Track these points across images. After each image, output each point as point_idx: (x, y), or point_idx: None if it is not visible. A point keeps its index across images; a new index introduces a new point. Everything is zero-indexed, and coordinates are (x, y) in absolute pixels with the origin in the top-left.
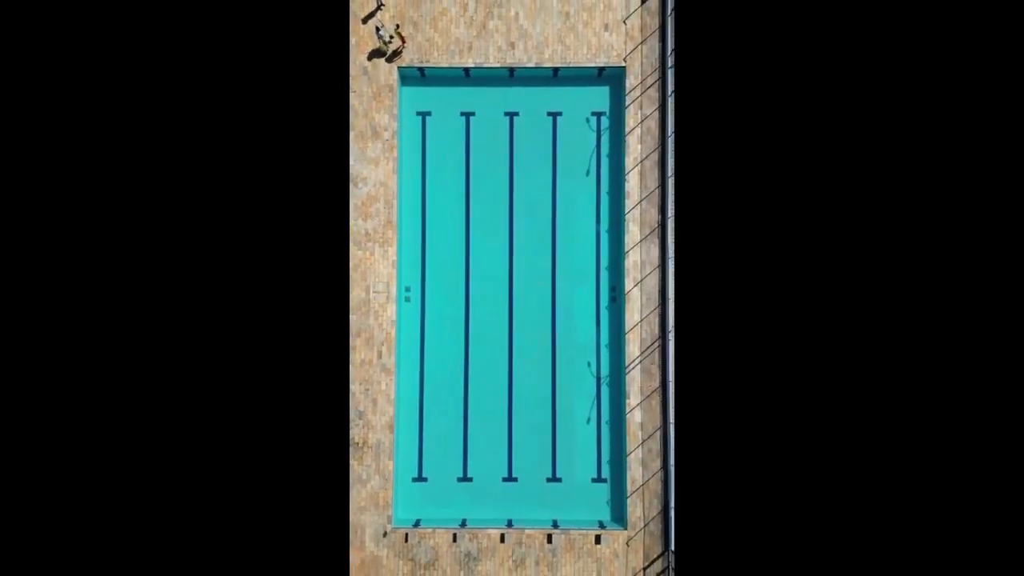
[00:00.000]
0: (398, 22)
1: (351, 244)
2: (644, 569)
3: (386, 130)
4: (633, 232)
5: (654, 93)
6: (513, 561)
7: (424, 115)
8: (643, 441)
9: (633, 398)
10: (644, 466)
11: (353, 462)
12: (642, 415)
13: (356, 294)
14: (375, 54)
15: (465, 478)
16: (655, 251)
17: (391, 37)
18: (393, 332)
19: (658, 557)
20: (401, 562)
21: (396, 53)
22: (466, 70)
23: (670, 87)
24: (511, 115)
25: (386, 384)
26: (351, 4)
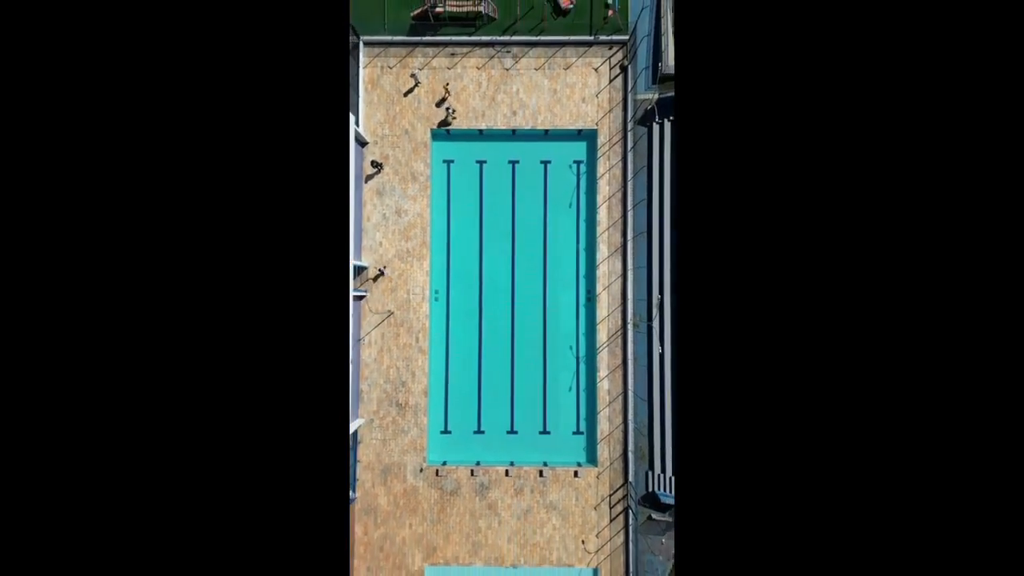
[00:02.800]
0: (447, 82)
1: (396, 259)
2: (610, 496)
3: (422, 175)
4: (603, 250)
5: (618, 148)
6: (514, 489)
7: (449, 163)
8: (609, 403)
9: (602, 372)
10: (610, 421)
11: (397, 417)
12: (609, 384)
13: (399, 295)
14: (442, 124)
15: (479, 431)
16: (618, 264)
17: (452, 110)
18: (427, 323)
19: (620, 487)
20: (432, 490)
21: (443, 100)
22: (480, 130)
23: (630, 144)
24: (513, 163)
25: (421, 361)
26: (396, 81)
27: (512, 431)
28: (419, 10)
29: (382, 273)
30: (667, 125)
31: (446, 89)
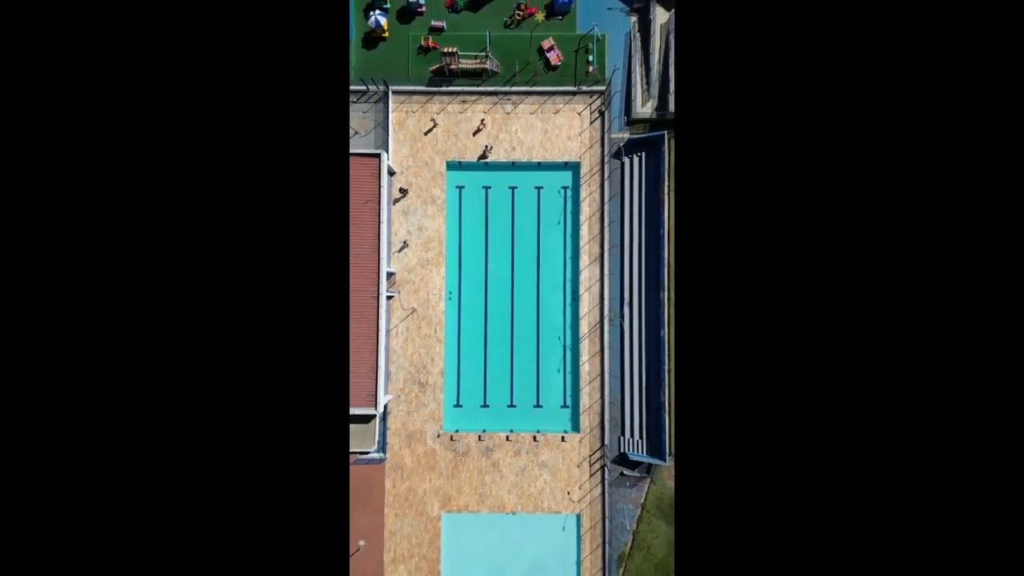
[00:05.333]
0: (483, 118)
1: (418, 266)
2: (590, 456)
3: (439, 198)
4: (584, 259)
5: (597, 177)
6: (514, 451)
7: (461, 188)
8: (589, 382)
9: (584, 357)
10: (590, 397)
11: (419, 394)
12: (589, 367)
13: (421, 296)
14: (481, 156)
15: (485, 404)
16: (597, 271)
17: (490, 146)
18: (443, 318)
19: (598, 449)
20: (448, 452)
21: (479, 129)
22: (486, 162)
23: (606, 174)
24: (513, 188)
25: (439, 348)
26: (418, 123)
27: (512, 405)
28: (437, 66)
29: (405, 245)
30: (635, 160)
31: (482, 123)
